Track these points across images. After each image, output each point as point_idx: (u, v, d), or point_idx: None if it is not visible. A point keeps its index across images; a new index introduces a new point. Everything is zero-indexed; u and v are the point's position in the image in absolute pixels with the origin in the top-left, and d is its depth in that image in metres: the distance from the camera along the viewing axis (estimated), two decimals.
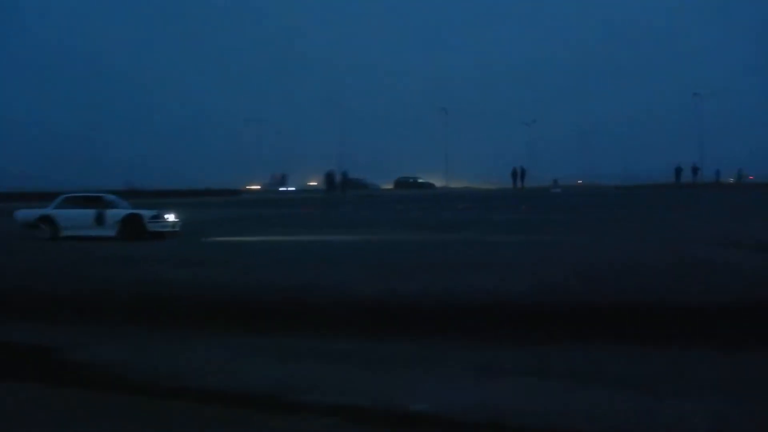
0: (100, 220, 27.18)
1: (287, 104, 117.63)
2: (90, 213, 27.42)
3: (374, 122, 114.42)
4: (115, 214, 27.28)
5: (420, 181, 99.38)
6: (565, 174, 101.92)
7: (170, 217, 27.51)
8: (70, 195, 28.72)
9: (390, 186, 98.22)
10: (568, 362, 9.28)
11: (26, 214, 28.34)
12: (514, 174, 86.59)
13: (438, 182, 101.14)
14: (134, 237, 26.54)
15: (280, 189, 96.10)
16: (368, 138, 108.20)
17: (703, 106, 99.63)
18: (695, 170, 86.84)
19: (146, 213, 27.31)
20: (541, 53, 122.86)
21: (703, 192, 65.29)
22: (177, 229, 27.52)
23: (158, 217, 27.15)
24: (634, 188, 76.65)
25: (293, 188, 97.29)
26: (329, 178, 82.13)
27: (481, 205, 50.11)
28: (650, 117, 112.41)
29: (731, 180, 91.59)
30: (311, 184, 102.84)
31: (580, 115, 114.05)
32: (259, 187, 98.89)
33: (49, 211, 27.77)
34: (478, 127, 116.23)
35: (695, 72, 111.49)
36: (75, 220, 27.31)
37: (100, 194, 29.00)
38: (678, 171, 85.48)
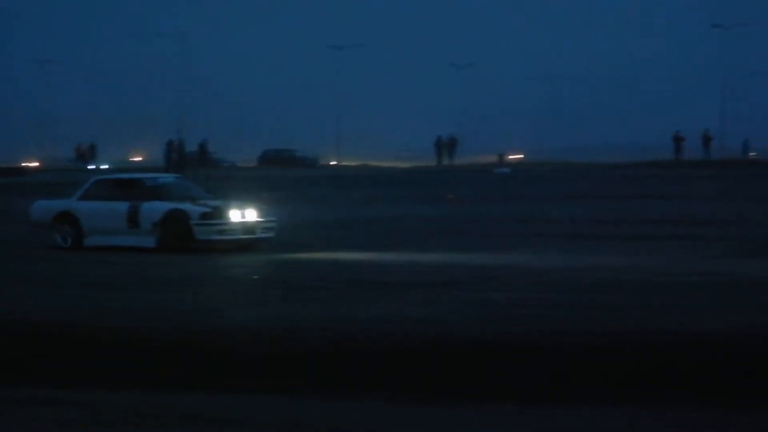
0: (133, 219, 19.44)
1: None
2: (121, 209, 19.73)
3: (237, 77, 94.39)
4: (152, 209, 19.47)
5: (298, 155, 72.21)
6: (521, 146, 79.62)
7: (240, 216, 19.33)
8: (101, 177, 21.07)
9: (254, 163, 71.41)
10: None
11: (44, 208, 20.96)
12: (438, 146, 65.26)
13: (332, 159, 79.69)
14: (176, 246, 18.81)
15: (89, 167, 65.99)
16: (230, 99, 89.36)
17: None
18: (707, 140, 62.19)
19: (193, 209, 19.36)
20: None
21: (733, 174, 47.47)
22: (260, 234, 19.39)
23: (215, 216, 19.16)
24: (617, 167, 56.42)
25: (106, 165, 68.39)
26: (170, 150, 56.68)
27: (387, 192, 39.70)
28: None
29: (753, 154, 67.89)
30: (135, 159, 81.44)
31: (535, 61, 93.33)
32: (38, 164, 75.13)
33: (72, 204, 20.23)
34: (390, 77, 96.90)
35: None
36: (102, 219, 19.71)
37: (137, 176, 21.18)
38: (678, 141, 60.27)
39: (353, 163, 73.69)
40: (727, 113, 74.96)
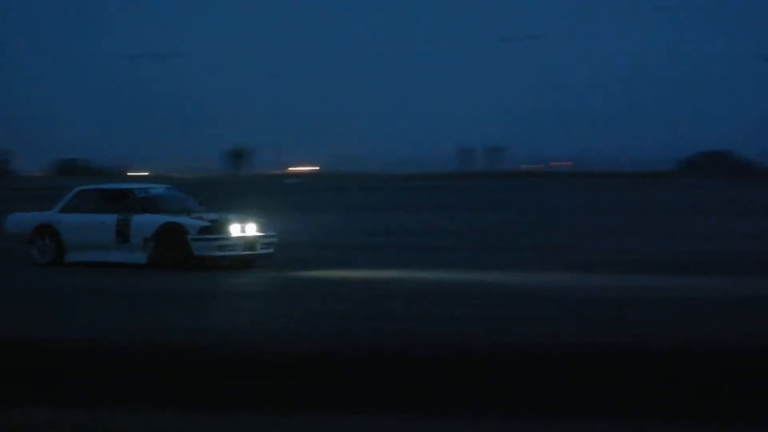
0: (122, 233, 17.87)
1: None
2: (109, 222, 18.14)
3: None
4: (144, 222, 17.91)
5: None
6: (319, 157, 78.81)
7: (240, 231, 17.89)
8: (86, 188, 19.50)
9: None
10: None
11: (22, 220, 19.31)
12: (230, 156, 66.06)
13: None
14: (173, 264, 17.29)
15: None
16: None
17: None
18: (494, 151, 60.45)
19: (191, 223, 17.83)
20: None
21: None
22: (260, 251, 17.96)
23: (214, 231, 17.67)
24: (410, 178, 54.09)
25: None
26: None
27: None
28: None
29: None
30: None
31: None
32: None
33: (53, 216, 18.59)
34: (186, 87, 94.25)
35: None
36: (87, 232, 18.09)
37: (127, 186, 19.65)
38: (464, 154, 58.00)
39: (147, 173, 73.33)
40: (520, 124, 77.33)
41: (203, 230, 17.66)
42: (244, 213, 18.90)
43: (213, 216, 18.27)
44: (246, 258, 18.13)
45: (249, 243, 17.97)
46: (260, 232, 18.22)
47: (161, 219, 18.01)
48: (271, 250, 18.37)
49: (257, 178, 59.48)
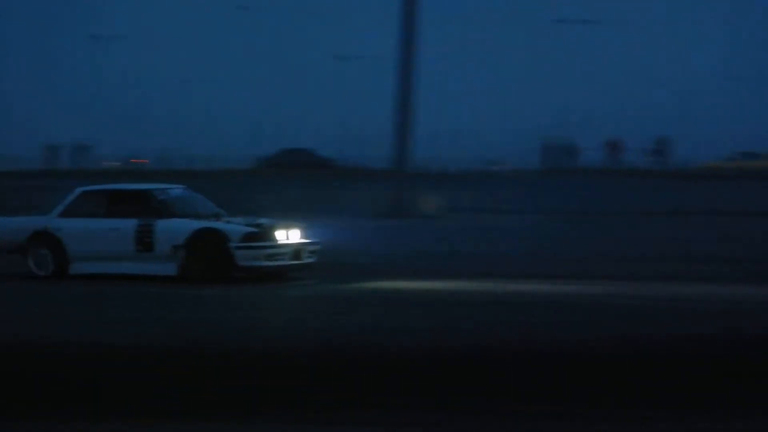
0: (144, 241, 15.23)
1: None
2: (125, 228, 15.42)
3: None
4: (172, 229, 15.28)
5: None
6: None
7: (285, 237, 15.46)
8: (90, 189, 16.67)
9: None
10: None
11: (10, 227, 16.36)
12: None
13: None
14: (209, 275, 14.83)
15: None
16: None
17: None
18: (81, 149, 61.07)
19: (232, 229, 15.32)
20: None
21: None
22: (306, 260, 15.61)
23: (261, 238, 15.19)
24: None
25: None
26: None
27: None
28: None
29: None
30: None
31: None
32: None
33: (51, 221, 15.74)
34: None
35: None
36: (97, 241, 15.34)
37: (145, 187, 16.86)
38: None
39: None
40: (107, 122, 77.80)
41: (249, 237, 15.13)
42: (282, 218, 16.47)
43: (256, 221, 15.81)
44: (293, 268, 15.75)
45: (296, 252, 15.60)
46: (304, 239, 15.89)
47: (194, 224, 15.35)
48: (314, 259, 16.05)
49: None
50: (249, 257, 15.12)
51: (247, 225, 15.49)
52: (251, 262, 15.15)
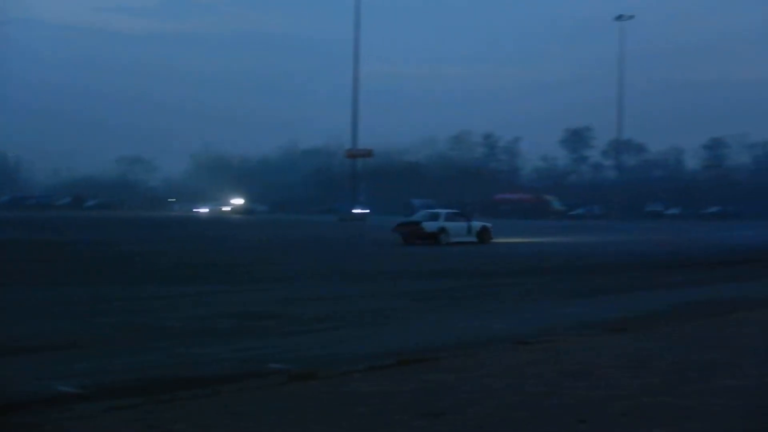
0: (469, 229, 46.44)
1: None
2: (464, 224, 45.78)
3: None
4: (474, 225, 46.01)
5: None
6: None
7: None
8: (446, 211, 46.09)
9: None
10: None
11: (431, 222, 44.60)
12: None
13: None
14: (485, 241, 44.45)
15: None
16: None
17: None
18: None
19: (486, 224, 46.75)
20: None
21: None
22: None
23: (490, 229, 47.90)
24: None
25: None
26: None
27: None
28: None
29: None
30: None
31: None
32: None
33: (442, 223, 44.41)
34: None
35: None
36: (456, 230, 44.87)
37: (458, 211, 46.77)
38: None
39: None
40: None
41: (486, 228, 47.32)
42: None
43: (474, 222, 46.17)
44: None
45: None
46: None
47: (480, 223, 46.92)
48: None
49: None
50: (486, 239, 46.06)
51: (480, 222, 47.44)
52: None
